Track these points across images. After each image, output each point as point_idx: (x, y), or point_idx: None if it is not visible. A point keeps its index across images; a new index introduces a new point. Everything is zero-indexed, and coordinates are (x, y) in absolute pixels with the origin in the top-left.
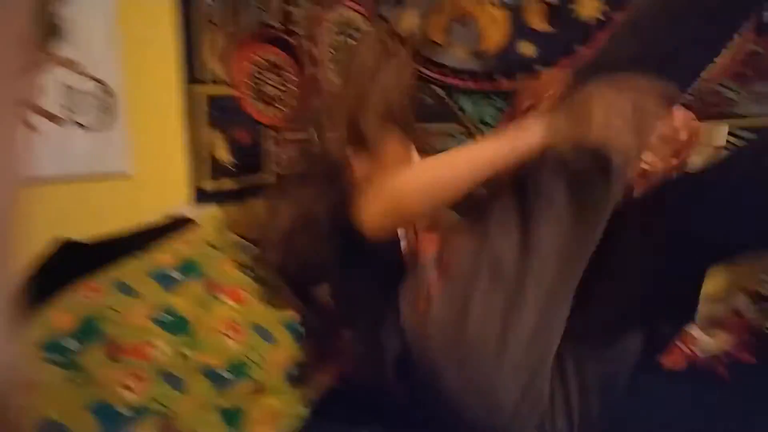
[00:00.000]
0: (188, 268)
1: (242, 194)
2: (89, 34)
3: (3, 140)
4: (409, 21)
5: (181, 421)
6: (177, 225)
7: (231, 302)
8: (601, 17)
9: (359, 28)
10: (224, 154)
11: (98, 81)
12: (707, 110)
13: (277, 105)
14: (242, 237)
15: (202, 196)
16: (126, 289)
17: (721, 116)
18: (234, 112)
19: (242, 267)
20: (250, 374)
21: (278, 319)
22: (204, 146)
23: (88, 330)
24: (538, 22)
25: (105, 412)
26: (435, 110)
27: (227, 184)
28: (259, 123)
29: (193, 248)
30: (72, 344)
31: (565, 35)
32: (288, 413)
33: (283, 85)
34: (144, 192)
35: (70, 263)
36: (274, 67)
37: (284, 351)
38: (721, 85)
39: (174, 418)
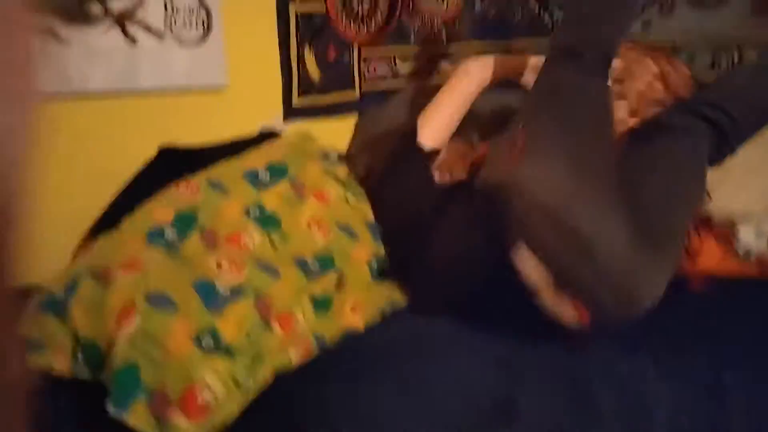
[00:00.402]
0: (277, 170)
1: (329, 110)
2: None
3: (13, 56)
4: None
5: (275, 303)
6: (267, 138)
7: (316, 202)
8: None
9: None
10: (314, 71)
11: None
12: None
13: (365, 23)
14: (330, 148)
15: (291, 111)
16: (220, 188)
17: None
18: (324, 29)
19: (327, 172)
20: (336, 266)
21: (360, 219)
22: (294, 63)
23: (186, 221)
24: None
25: (206, 289)
26: (529, 25)
27: (316, 99)
28: (348, 40)
29: (282, 153)
30: (172, 234)
31: None
32: (372, 304)
33: (373, 3)
34: (237, 105)
35: (169, 168)
36: None
37: (366, 247)
38: None
39: (270, 300)
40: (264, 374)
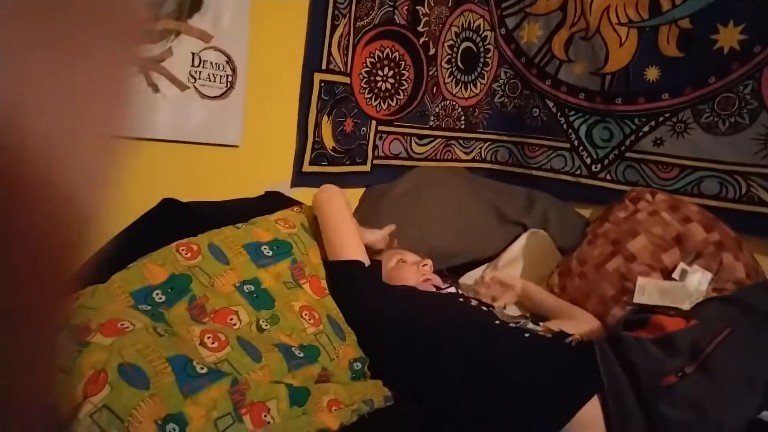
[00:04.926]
0: (280, 247)
1: (338, 180)
2: (223, 9)
3: (111, 97)
4: (531, 32)
5: (251, 388)
6: (275, 201)
7: (311, 292)
8: (738, 48)
9: (481, 32)
10: (329, 140)
11: (225, 54)
12: None
13: (387, 99)
14: None
15: (301, 177)
16: (220, 255)
17: None
18: (345, 100)
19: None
20: (319, 360)
21: None
22: (311, 130)
23: (177, 286)
24: (668, 46)
25: (182, 366)
26: (544, 125)
27: (326, 168)
28: (367, 114)
29: (289, 229)
30: (160, 297)
31: (696, 64)
32: (350, 403)
33: (397, 80)
34: (249, 165)
35: (171, 221)
36: (391, 62)
37: (352, 348)
38: None
39: (246, 384)
40: None
